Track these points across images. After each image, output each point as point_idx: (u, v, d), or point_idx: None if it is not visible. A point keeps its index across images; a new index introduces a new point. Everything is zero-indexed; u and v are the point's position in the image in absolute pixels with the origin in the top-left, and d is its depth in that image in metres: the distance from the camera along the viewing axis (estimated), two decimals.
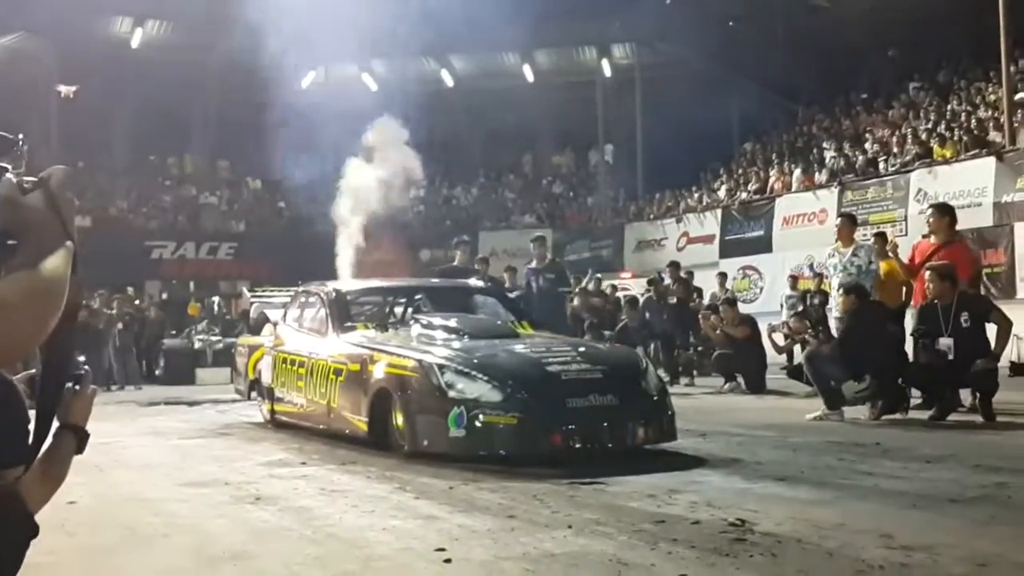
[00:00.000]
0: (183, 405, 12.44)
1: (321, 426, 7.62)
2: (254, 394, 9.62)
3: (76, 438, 1.91)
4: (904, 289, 9.93)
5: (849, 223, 10.25)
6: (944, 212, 9.30)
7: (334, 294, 8.33)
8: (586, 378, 6.25)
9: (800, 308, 15.39)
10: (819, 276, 16.47)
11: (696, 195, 24.94)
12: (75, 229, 1.59)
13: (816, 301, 15.14)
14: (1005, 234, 15.89)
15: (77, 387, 1.90)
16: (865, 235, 15.02)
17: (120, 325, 17.34)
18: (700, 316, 14.06)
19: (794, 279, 17.31)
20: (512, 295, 10.56)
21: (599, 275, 19.15)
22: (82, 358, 2.31)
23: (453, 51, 29.79)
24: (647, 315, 15.18)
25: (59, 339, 1.61)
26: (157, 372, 18.70)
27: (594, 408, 6.05)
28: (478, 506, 4.66)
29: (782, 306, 16.64)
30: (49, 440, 1.84)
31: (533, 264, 11.71)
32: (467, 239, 13.07)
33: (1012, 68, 17.79)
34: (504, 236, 26.27)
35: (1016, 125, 16.91)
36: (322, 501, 4.94)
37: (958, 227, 9.71)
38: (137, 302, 20.24)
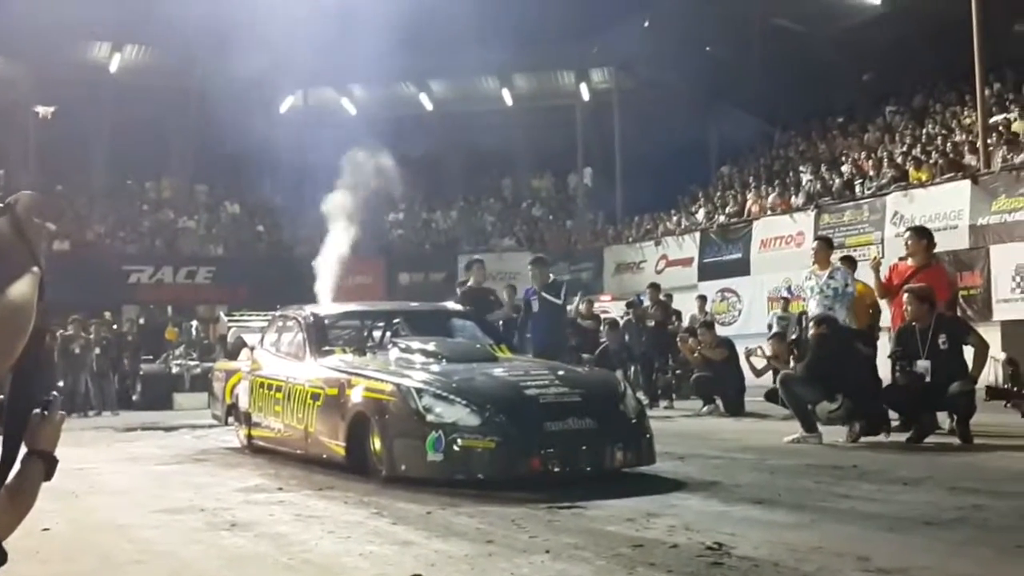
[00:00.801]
0: (160, 431, 12.32)
1: (298, 451, 7.56)
2: (231, 419, 9.54)
3: (44, 464, 1.88)
4: (871, 311, 10.01)
5: (825, 246, 10.29)
6: (922, 235, 9.38)
7: (312, 318, 8.29)
8: (564, 401, 6.24)
9: (794, 331, 15.30)
10: (798, 298, 16.54)
11: (675, 218, 25.07)
12: (42, 254, 1.58)
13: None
14: (981, 256, 16.03)
15: (45, 413, 1.88)
16: (839, 259, 15.13)
17: (97, 350, 17.18)
18: (678, 339, 14.11)
19: (786, 301, 17.22)
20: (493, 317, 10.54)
21: (589, 297, 19.08)
22: (60, 383, 2.28)
23: (432, 75, 29.91)
24: (626, 337, 15.22)
25: (26, 364, 1.59)
26: (134, 397, 18.52)
27: (573, 432, 6.04)
28: (455, 531, 4.63)
29: (770, 327, 16.50)
30: (17, 466, 1.81)
31: (535, 285, 11.52)
32: (480, 259, 12.90)
33: (987, 92, 18.02)
34: (484, 259, 26.24)
35: (991, 148, 17.11)
36: (298, 527, 4.90)
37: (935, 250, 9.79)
38: (115, 326, 20.07)
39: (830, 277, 9.57)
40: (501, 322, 11.04)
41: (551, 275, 11.42)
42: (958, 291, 12.22)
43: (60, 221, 24.75)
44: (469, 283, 11.45)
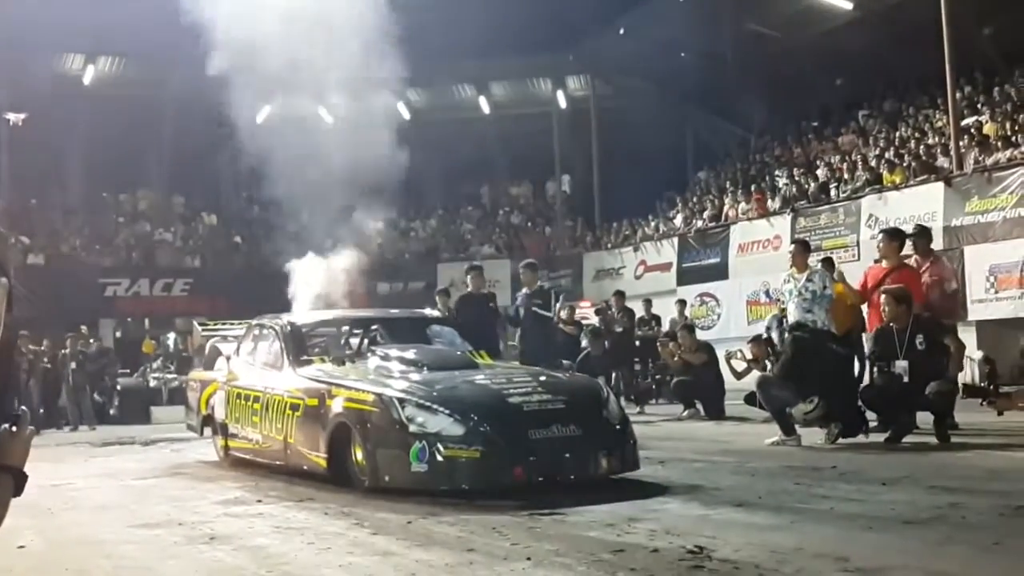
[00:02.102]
0: (137, 445, 12.23)
1: (277, 462, 7.50)
2: (207, 430, 9.47)
3: (14, 480, 1.85)
4: (852, 311, 10.05)
5: (802, 249, 10.23)
6: (893, 237, 9.44)
7: (289, 327, 8.21)
8: (548, 409, 6.21)
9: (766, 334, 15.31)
10: (776, 302, 16.59)
11: (652, 224, 25.16)
12: (10, 265, 1.56)
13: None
14: (955, 257, 16.13)
15: (14, 428, 1.85)
16: (816, 261, 15.23)
17: (73, 364, 17.04)
18: (658, 343, 14.17)
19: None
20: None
21: (571, 303, 19.08)
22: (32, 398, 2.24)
23: (409, 84, 29.87)
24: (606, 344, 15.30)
25: None
26: (111, 411, 18.36)
27: (557, 439, 6.02)
28: (436, 540, 4.61)
29: (769, 329, 16.35)
30: None
31: (525, 290, 11.58)
32: (479, 264, 12.92)
33: (957, 95, 18.20)
34: (463, 267, 26.24)
35: (963, 151, 17.26)
36: (277, 539, 4.87)
37: (908, 251, 9.85)
38: (93, 340, 19.90)
39: (808, 280, 9.55)
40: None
41: (540, 282, 11.50)
42: (957, 288, 11.99)
43: (34, 235, 24.57)
44: (469, 289, 11.44)
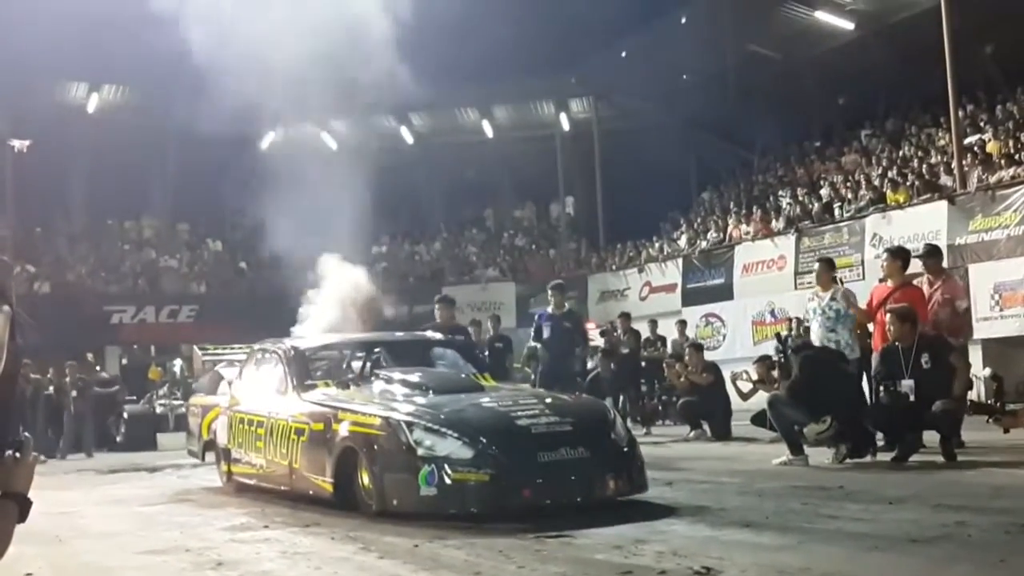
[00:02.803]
0: (144, 471, 12.22)
1: (283, 487, 7.48)
2: (208, 455, 9.46)
3: (18, 506, 1.86)
4: (858, 332, 10.00)
5: (827, 267, 10.05)
6: (897, 256, 9.42)
7: (292, 351, 8.18)
8: (556, 431, 6.18)
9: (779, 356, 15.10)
10: (788, 320, 16.56)
11: (657, 245, 25.19)
12: (12, 293, 1.58)
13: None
14: (960, 275, 16.13)
15: (17, 455, 1.86)
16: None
17: (74, 392, 17.04)
18: (664, 364, 14.17)
19: (797, 320, 16.80)
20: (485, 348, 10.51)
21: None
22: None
23: (412, 109, 30.05)
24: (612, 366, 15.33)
25: None
26: (118, 438, 18.36)
27: (565, 461, 5.98)
28: (443, 564, 4.61)
29: (777, 349, 16.09)
30: None
31: (550, 309, 11.37)
32: (449, 296, 12.27)
33: (960, 114, 18.25)
34: (467, 290, 26.29)
35: (966, 169, 17.29)
36: (284, 564, 4.86)
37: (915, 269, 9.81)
38: (98, 368, 19.93)
39: (832, 299, 9.50)
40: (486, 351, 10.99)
41: (566, 303, 11.57)
42: (968, 306, 11.88)
43: (40, 263, 24.64)
44: (437, 321, 10.87)
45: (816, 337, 9.62)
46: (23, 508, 1.87)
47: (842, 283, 10.50)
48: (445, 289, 25.90)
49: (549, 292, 11.53)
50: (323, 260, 10.31)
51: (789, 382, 8.93)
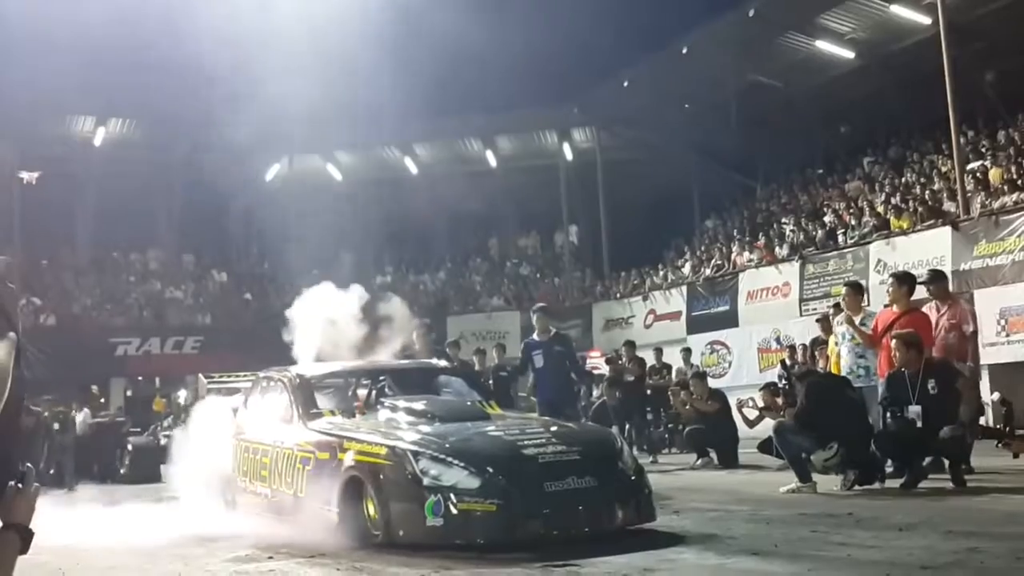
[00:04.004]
0: (148, 503, 12.14)
1: (287, 516, 7.42)
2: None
3: (20, 538, 1.85)
4: None
5: (853, 292, 9.95)
6: (902, 282, 9.39)
7: (298, 380, 8.14)
8: (563, 460, 6.12)
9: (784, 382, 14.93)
10: (790, 348, 16.48)
11: (661, 272, 25.20)
12: (19, 320, 1.58)
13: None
14: (966, 300, 16.11)
15: (19, 485, 1.85)
16: (828, 307, 15.21)
17: (56, 425, 16.99)
18: (670, 392, 14.12)
19: (803, 347, 16.51)
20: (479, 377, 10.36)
21: (581, 353, 18.98)
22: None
23: (416, 139, 30.23)
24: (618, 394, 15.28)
25: (1, 428, 1.58)
26: (122, 471, 18.27)
27: (573, 491, 5.92)
28: None
29: (780, 377, 15.80)
30: None
31: (535, 337, 10.66)
32: (427, 322, 12.10)
33: (961, 140, 18.29)
34: (472, 320, 26.33)
35: (969, 195, 17.31)
36: None
37: (922, 295, 9.77)
38: (103, 400, 19.89)
39: (861, 324, 9.46)
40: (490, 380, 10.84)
41: (551, 328, 10.74)
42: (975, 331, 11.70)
43: (45, 296, 24.70)
44: (416, 347, 10.35)
45: (844, 362, 9.59)
46: (25, 539, 1.85)
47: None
48: (450, 319, 26.11)
49: (534, 317, 10.80)
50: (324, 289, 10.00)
51: (795, 409, 8.90)
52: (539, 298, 27.70)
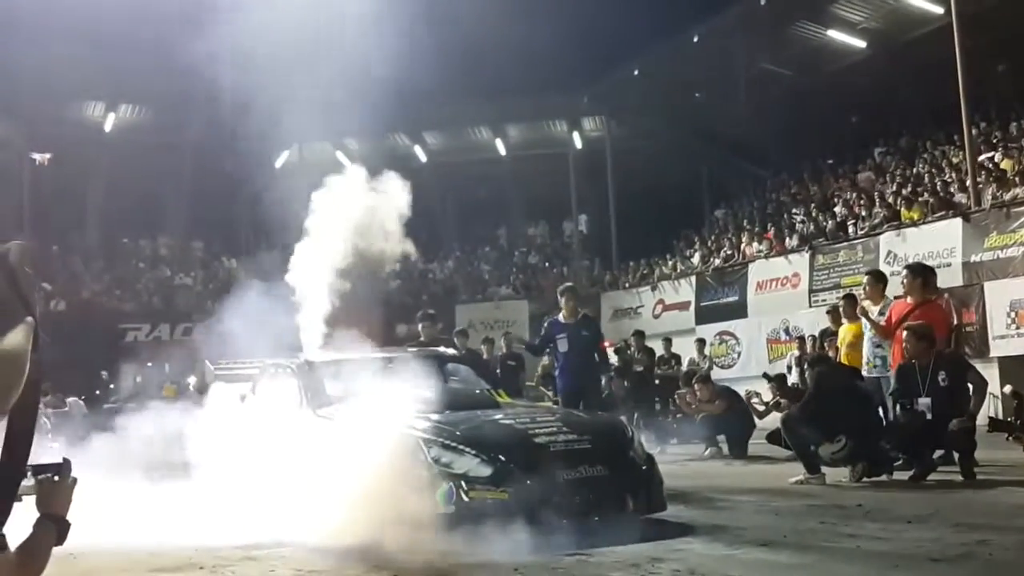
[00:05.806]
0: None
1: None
2: None
3: (56, 528, 1.86)
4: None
5: (875, 281, 9.88)
6: (917, 273, 9.37)
7: (307, 368, 8.18)
8: (575, 449, 6.12)
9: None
10: (799, 339, 16.49)
11: (670, 262, 25.14)
12: (36, 304, 1.58)
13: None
14: (976, 293, 16.06)
15: (56, 477, 1.86)
16: (837, 298, 15.16)
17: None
18: (676, 396, 14.05)
19: (812, 338, 15.84)
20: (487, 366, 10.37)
21: None
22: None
23: (426, 127, 30.18)
24: (625, 383, 15.30)
25: (20, 414, 1.59)
26: None
27: (585, 480, 5.92)
28: None
29: (789, 368, 15.76)
30: (29, 530, 1.79)
31: (560, 318, 9.96)
32: (432, 312, 11.71)
33: (973, 131, 18.19)
34: (481, 308, 26.32)
35: (980, 186, 17.22)
36: None
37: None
38: (112, 385, 19.92)
39: (881, 313, 9.43)
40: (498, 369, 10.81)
41: (580, 310, 10.12)
42: (962, 327, 11.84)
43: (55, 281, 24.77)
44: (421, 338, 10.20)
45: (864, 352, 9.59)
46: (62, 530, 1.86)
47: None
48: (459, 307, 26.12)
49: (561, 298, 10.04)
50: None
51: (802, 400, 8.89)
52: (547, 289, 27.72)
